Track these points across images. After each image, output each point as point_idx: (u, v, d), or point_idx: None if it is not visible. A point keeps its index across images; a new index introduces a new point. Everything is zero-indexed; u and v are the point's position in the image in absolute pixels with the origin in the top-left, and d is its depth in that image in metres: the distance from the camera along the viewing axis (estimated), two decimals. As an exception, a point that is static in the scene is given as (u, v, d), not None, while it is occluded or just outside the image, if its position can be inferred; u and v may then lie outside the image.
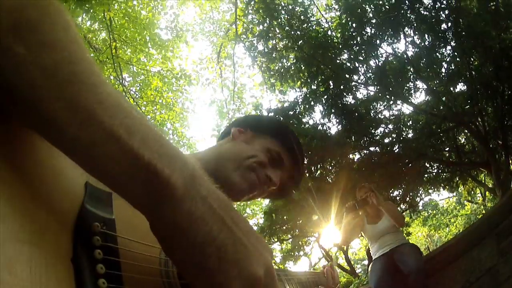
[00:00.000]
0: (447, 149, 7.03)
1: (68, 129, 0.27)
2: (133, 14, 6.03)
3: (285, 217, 5.31)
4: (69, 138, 0.27)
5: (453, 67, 6.36)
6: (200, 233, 0.30)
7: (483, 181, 7.88)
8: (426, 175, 6.72)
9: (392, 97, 5.85)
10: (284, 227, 5.47)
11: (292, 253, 6.68)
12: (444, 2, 6.11)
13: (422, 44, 6.24)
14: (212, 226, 0.30)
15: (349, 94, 5.39)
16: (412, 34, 6.28)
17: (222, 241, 0.30)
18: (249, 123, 0.77)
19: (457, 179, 7.32)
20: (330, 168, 5.39)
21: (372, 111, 5.62)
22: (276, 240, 6.00)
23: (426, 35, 6.19)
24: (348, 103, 5.39)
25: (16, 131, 0.30)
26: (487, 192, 8.85)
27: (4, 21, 0.26)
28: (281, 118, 5.02)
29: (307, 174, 5.15)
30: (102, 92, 0.28)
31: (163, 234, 0.30)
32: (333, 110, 5.20)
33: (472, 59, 6.05)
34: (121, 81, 5.77)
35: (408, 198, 6.56)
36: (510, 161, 6.10)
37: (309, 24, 5.30)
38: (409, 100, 6.17)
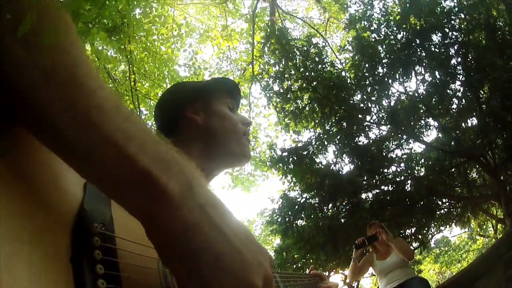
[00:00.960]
0: (458, 184, 6.99)
1: (65, 132, 0.27)
2: (152, 49, 6.26)
3: (295, 256, 5.29)
4: (66, 142, 0.27)
5: (463, 102, 6.41)
6: (195, 242, 0.29)
7: (494, 214, 7.76)
8: (437, 212, 6.67)
9: (404, 136, 5.90)
10: (294, 266, 5.45)
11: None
12: (453, 37, 6.22)
13: (433, 81, 6.32)
14: (209, 235, 0.29)
15: (362, 134, 5.47)
16: (422, 72, 6.39)
17: (219, 250, 0.29)
18: (193, 96, 0.74)
19: (469, 214, 7.24)
20: (342, 207, 5.41)
21: (384, 151, 5.67)
22: (286, 278, 5.93)
23: (436, 72, 6.28)
24: (361, 143, 5.46)
25: (16, 133, 0.30)
26: (498, 224, 8.68)
27: (5, 23, 0.26)
28: (295, 158, 5.10)
29: (319, 214, 5.17)
30: (101, 96, 0.28)
31: (159, 241, 0.30)
32: (345, 150, 5.27)
33: (481, 92, 6.09)
34: (138, 113, 5.96)
35: (420, 236, 6.50)
36: (520, 191, 6.02)
37: (323, 65, 5.45)
38: (421, 138, 6.21)
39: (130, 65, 6.25)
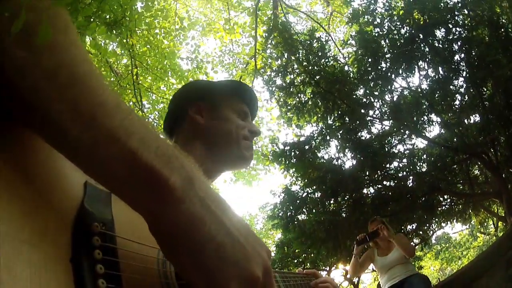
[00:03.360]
0: (460, 181, 6.96)
1: (69, 131, 0.27)
2: (155, 42, 6.24)
3: (296, 250, 5.30)
4: (70, 140, 0.27)
5: (466, 99, 6.38)
6: (199, 233, 0.29)
7: (495, 211, 7.75)
8: (439, 208, 6.65)
9: (407, 132, 5.88)
10: (295, 260, 5.46)
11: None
12: (457, 33, 6.18)
13: (436, 76, 6.28)
14: (211, 226, 0.30)
15: (364, 129, 5.45)
16: (426, 67, 6.35)
17: (221, 241, 0.30)
18: (201, 95, 0.73)
19: (470, 211, 7.22)
20: (343, 202, 5.40)
21: (387, 146, 5.65)
22: (287, 272, 5.94)
23: (439, 68, 6.24)
24: (363, 137, 5.44)
25: (16, 132, 0.30)
26: (499, 222, 8.67)
27: (5, 25, 0.26)
28: (297, 152, 5.09)
29: (321, 209, 5.17)
30: (102, 94, 0.29)
31: (162, 235, 0.31)
32: (348, 145, 5.25)
33: (484, 89, 6.06)
34: (140, 107, 5.94)
35: (421, 232, 6.49)
36: (521, 189, 6.00)
37: (326, 60, 5.42)
38: (423, 134, 6.19)
39: (132, 59, 6.23)
